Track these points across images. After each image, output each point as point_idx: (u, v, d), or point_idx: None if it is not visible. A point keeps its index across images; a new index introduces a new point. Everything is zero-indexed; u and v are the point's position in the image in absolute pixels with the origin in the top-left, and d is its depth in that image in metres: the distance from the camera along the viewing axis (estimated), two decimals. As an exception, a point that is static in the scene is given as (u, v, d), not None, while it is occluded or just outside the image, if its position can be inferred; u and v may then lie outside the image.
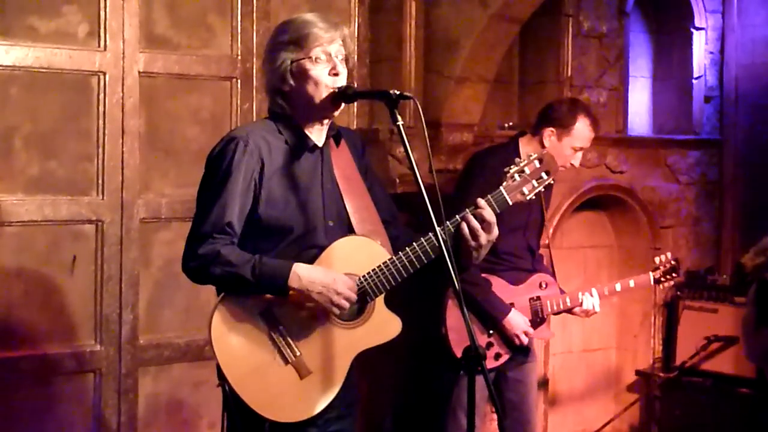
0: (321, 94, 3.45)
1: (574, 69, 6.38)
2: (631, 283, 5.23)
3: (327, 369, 3.48)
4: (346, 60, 3.52)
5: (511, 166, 3.60)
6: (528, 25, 5.88)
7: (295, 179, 3.49)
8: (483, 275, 4.87)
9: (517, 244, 5.02)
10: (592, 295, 5.07)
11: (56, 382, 4.92)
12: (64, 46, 4.85)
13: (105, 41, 4.93)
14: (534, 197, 3.65)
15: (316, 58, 3.44)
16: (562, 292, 5.10)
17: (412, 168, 3.22)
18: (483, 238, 3.47)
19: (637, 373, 6.77)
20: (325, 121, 3.55)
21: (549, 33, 6.37)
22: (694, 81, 7.06)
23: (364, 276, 3.48)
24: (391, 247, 3.56)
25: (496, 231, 3.50)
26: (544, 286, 5.04)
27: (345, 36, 3.51)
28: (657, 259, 5.31)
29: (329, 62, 3.45)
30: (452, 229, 3.46)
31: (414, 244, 3.48)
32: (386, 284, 3.49)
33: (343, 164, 3.63)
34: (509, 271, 4.97)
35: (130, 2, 4.97)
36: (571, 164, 5.05)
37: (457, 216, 3.48)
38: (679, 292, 6.65)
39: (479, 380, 3.10)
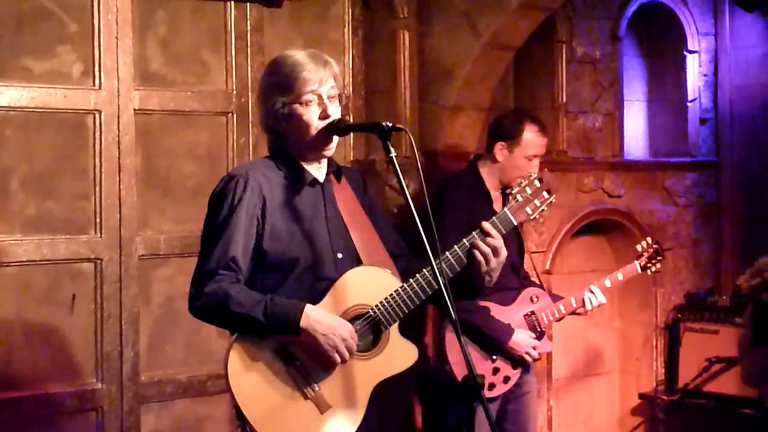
0: (312, 135, 3.48)
1: (568, 95, 6.41)
2: (620, 276, 5.24)
3: (347, 402, 3.48)
4: (339, 97, 3.55)
5: (513, 187, 3.68)
6: (521, 52, 5.90)
7: (297, 213, 3.51)
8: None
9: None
10: (594, 293, 5.07)
11: (59, 422, 4.91)
12: (58, 85, 4.87)
13: (100, 80, 4.95)
14: (538, 216, 3.72)
15: (306, 102, 3.47)
16: (555, 299, 5.08)
17: (406, 199, 3.23)
18: (493, 262, 3.54)
19: (641, 396, 6.75)
20: (323, 159, 3.58)
21: (543, 59, 6.40)
22: (688, 103, 7.07)
23: (376, 305, 3.49)
24: (402, 279, 3.56)
25: (504, 252, 3.57)
26: (535, 299, 5.02)
27: (336, 74, 3.53)
28: (639, 247, 5.34)
29: (320, 105, 3.48)
30: (461, 255, 3.52)
31: (424, 270, 3.49)
32: (399, 312, 3.50)
33: (345, 199, 3.65)
34: (497, 293, 4.84)
35: (124, 41, 4.99)
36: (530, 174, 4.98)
37: (464, 240, 3.53)
38: (680, 315, 6.65)
39: (480, 412, 3.11)
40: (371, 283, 3.53)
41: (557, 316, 5.04)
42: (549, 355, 6.37)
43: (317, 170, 3.59)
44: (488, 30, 5.52)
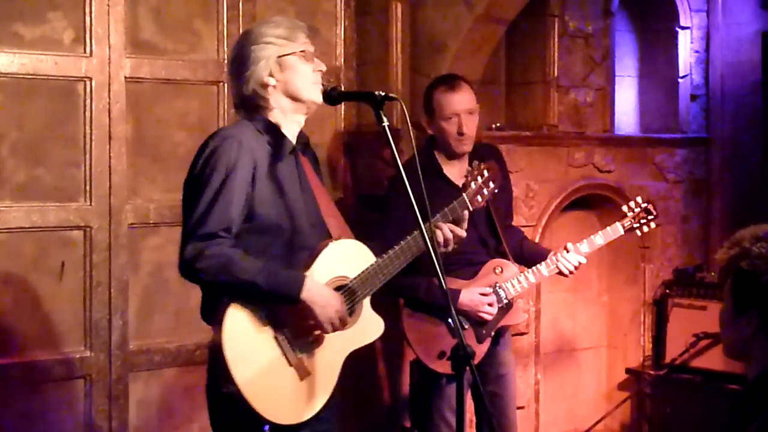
0: (308, 87, 3.55)
1: (560, 69, 6.40)
2: (599, 240, 4.98)
3: (324, 370, 3.55)
4: None
5: (467, 175, 4.05)
6: (514, 25, 5.90)
7: (280, 181, 3.54)
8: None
9: (468, 239, 4.82)
10: (566, 258, 4.84)
11: (46, 389, 4.91)
12: (49, 52, 4.85)
13: (91, 47, 4.93)
14: (485, 204, 4.10)
15: (304, 54, 3.55)
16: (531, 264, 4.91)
17: (398, 168, 3.23)
18: (451, 246, 3.85)
19: (628, 371, 6.78)
20: (302, 121, 3.64)
21: (535, 33, 6.38)
22: (680, 80, 7.07)
23: (355, 278, 3.58)
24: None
25: (463, 234, 3.87)
26: (499, 271, 4.84)
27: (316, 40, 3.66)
28: (625, 207, 5.11)
29: (312, 61, 3.57)
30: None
31: (395, 247, 3.63)
32: (373, 285, 3.61)
33: (309, 171, 3.71)
34: (464, 268, 4.80)
35: (116, 8, 4.97)
36: (462, 132, 4.80)
37: (438, 215, 3.75)
38: (668, 290, 6.67)
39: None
40: (351, 255, 3.63)
41: (525, 285, 4.86)
42: (537, 329, 6.39)
43: (292, 137, 3.64)
44: (481, 3, 5.51)
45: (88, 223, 4.96)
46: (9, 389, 4.81)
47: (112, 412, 5.05)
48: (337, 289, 3.56)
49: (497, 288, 4.81)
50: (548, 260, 4.89)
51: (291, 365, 3.47)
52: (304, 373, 3.49)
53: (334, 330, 3.48)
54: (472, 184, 4.00)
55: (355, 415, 5.73)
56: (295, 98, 3.57)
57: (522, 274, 4.87)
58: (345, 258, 3.60)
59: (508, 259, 4.90)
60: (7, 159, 4.79)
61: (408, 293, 4.78)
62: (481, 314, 4.75)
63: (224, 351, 3.39)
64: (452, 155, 4.86)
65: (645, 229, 5.13)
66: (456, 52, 5.61)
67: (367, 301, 3.64)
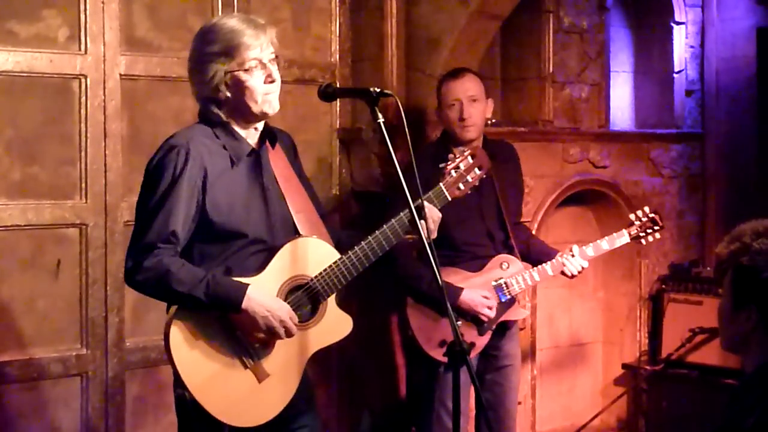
0: (257, 102, 3.47)
1: (555, 64, 6.40)
2: (605, 245, 5.05)
3: (284, 371, 3.53)
4: (278, 59, 3.54)
5: (447, 163, 3.81)
6: (509, 21, 5.89)
7: (236, 184, 3.50)
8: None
9: (475, 232, 4.91)
10: (570, 261, 4.91)
11: (43, 386, 4.91)
12: (44, 50, 4.84)
13: (86, 45, 4.92)
14: (470, 192, 3.85)
15: (249, 68, 3.44)
16: (536, 263, 4.96)
17: (393, 165, 3.23)
18: (434, 233, 3.62)
19: (624, 366, 6.78)
20: (259, 124, 3.58)
21: (530, 29, 6.38)
22: (675, 75, 7.08)
23: (315, 277, 3.52)
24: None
25: (439, 215, 3.70)
26: (505, 266, 4.89)
27: (273, 38, 3.51)
28: (632, 216, 5.17)
29: (264, 69, 3.46)
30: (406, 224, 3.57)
31: (362, 243, 3.56)
32: (337, 284, 3.54)
33: (280, 165, 3.65)
34: (469, 261, 4.86)
35: (110, 5, 4.96)
36: (463, 118, 4.89)
37: (401, 214, 3.57)
38: (663, 285, 6.68)
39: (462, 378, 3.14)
40: (311, 254, 3.56)
41: (530, 283, 4.93)
42: (533, 325, 6.39)
43: (253, 136, 3.58)
44: (476, -2, 5.52)
45: (83, 221, 4.96)
46: (6, 387, 4.81)
47: (108, 409, 5.05)
48: (296, 288, 3.52)
49: (501, 283, 4.84)
50: (554, 261, 4.95)
51: (247, 368, 3.46)
52: (262, 376, 3.48)
53: (279, 338, 3.45)
54: (453, 172, 3.80)
55: (353, 412, 5.73)
56: (244, 112, 3.51)
57: (527, 272, 4.92)
58: (306, 257, 3.54)
59: (516, 255, 4.95)
60: (3, 157, 4.79)
61: (411, 283, 4.79)
62: (481, 317, 4.79)
63: (172, 356, 3.41)
64: (459, 144, 4.88)
65: (650, 239, 5.20)
66: (451, 48, 5.61)
67: (332, 300, 3.59)
